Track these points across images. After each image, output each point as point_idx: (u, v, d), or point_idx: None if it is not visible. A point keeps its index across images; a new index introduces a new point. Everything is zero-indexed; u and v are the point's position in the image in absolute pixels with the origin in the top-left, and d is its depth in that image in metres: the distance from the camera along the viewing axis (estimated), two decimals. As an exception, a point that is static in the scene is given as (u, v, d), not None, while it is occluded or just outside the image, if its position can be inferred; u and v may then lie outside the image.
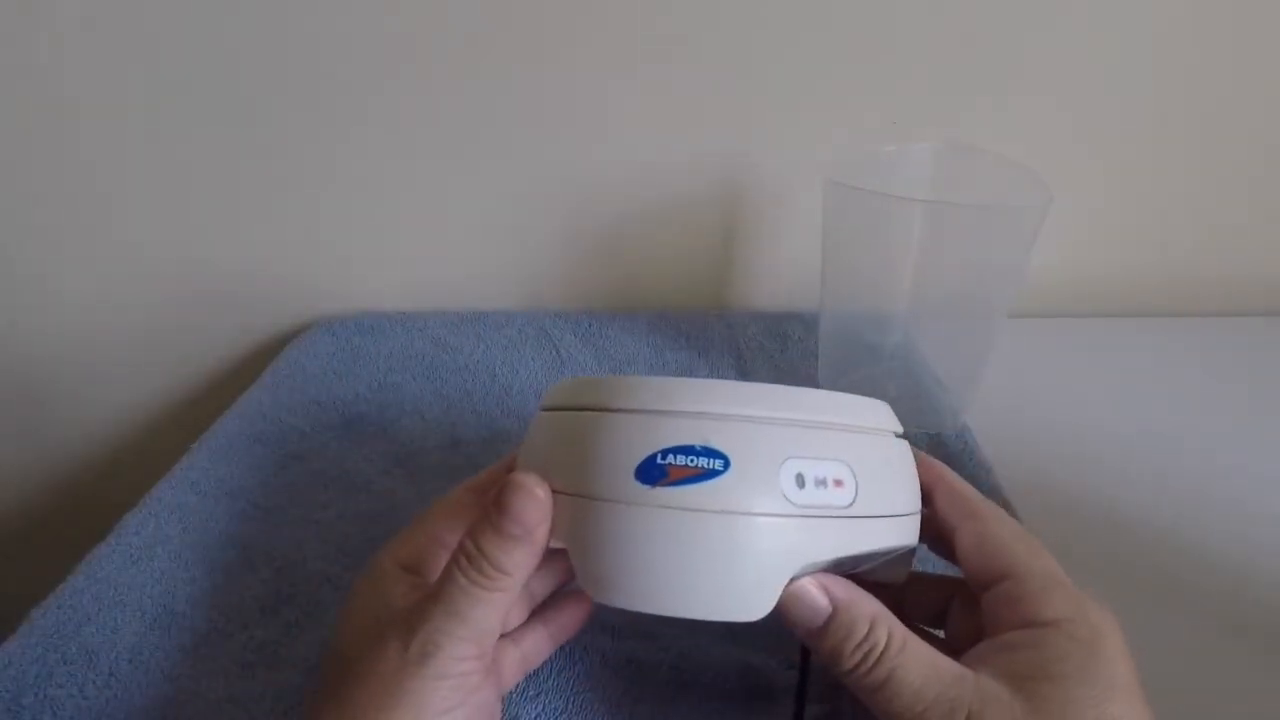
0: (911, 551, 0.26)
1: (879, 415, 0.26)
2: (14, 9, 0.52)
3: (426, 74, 0.55)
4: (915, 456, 0.28)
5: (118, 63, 0.54)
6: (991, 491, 0.41)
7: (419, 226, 0.60)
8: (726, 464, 0.22)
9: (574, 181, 0.58)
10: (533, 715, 0.30)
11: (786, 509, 0.22)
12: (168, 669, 0.33)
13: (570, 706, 0.31)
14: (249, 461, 0.46)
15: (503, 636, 0.29)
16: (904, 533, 0.25)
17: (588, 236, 0.60)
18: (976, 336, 0.45)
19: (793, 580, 0.23)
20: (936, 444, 0.45)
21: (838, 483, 0.23)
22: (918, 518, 0.26)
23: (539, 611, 0.30)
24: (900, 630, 0.23)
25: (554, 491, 0.24)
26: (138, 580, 0.38)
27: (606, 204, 0.59)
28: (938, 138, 0.47)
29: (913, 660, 0.23)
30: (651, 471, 0.22)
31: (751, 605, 0.23)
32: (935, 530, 0.27)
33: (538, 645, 0.30)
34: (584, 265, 0.62)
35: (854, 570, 0.26)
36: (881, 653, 0.23)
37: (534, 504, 0.23)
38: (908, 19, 0.52)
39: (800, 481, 0.22)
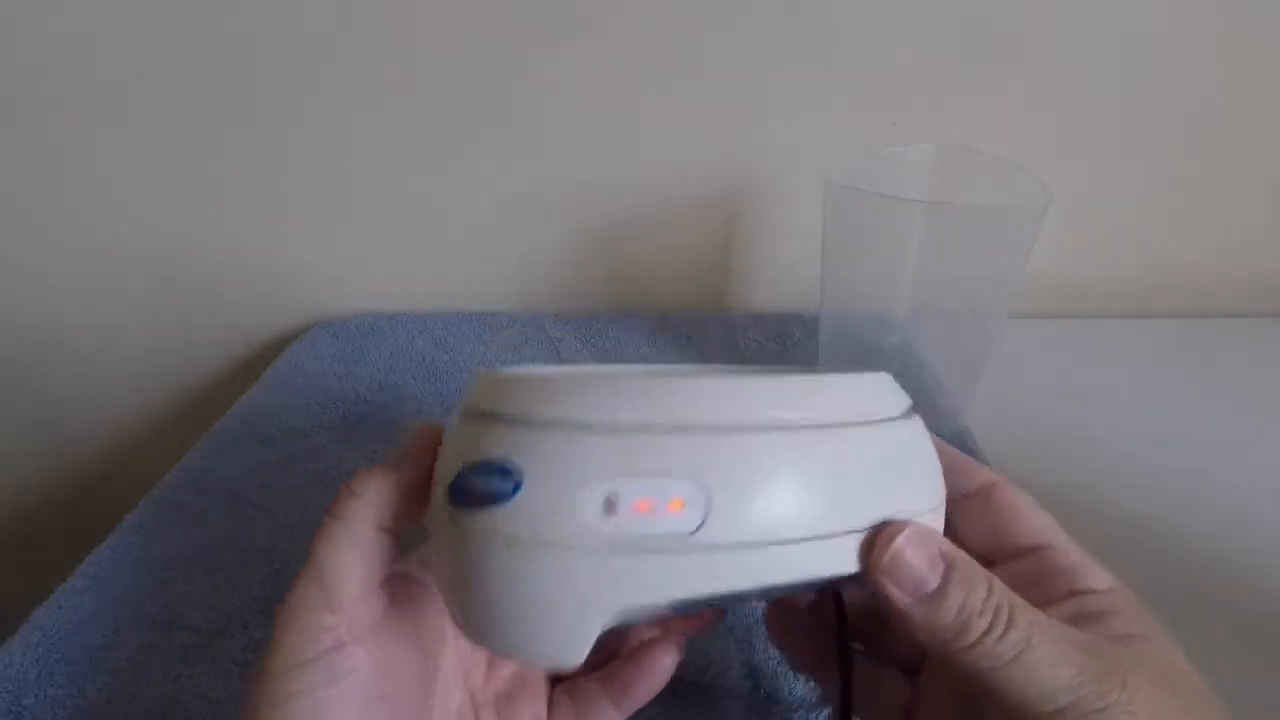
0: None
1: (813, 401, 0.19)
2: (19, 8, 0.53)
3: (427, 75, 0.55)
4: None
5: (119, 63, 0.54)
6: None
7: (419, 227, 0.60)
8: (518, 485, 0.18)
9: (574, 182, 0.58)
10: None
11: (587, 540, 0.18)
12: (168, 669, 0.33)
13: (570, 706, 0.31)
14: (249, 461, 0.46)
15: (560, 681, 0.27)
16: (822, 559, 0.19)
17: (588, 237, 0.60)
18: (976, 337, 0.45)
19: (619, 620, 0.19)
20: (936, 444, 0.45)
21: (674, 504, 0.18)
22: (861, 535, 0.19)
23: (600, 670, 0.27)
24: (1013, 592, 0.20)
25: None
26: (138, 580, 0.38)
27: (606, 204, 0.59)
28: (938, 138, 0.47)
29: (1046, 621, 0.19)
30: (458, 491, 0.19)
31: (562, 651, 0.18)
32: None
33: (596, 706, 0.26)
34: (584, 266, 0.62)
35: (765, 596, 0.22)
36: (1011, 615, 0.19)
37: (418, 442, 0.22)
38: (907, 20, 0.53)
39: (610, 505, 0.18)
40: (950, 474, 0.23)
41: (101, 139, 0.57)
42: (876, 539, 0.19)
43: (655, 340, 0.57)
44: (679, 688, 0.32)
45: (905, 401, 0.22)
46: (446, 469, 0.20)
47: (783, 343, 0.57)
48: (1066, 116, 0.56)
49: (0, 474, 0.70)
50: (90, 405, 0.67)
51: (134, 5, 0.52)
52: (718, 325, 0.59)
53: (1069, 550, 0.22)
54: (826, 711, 0.31)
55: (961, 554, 0.20)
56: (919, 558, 0.19)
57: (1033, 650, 0.18)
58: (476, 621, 0.19)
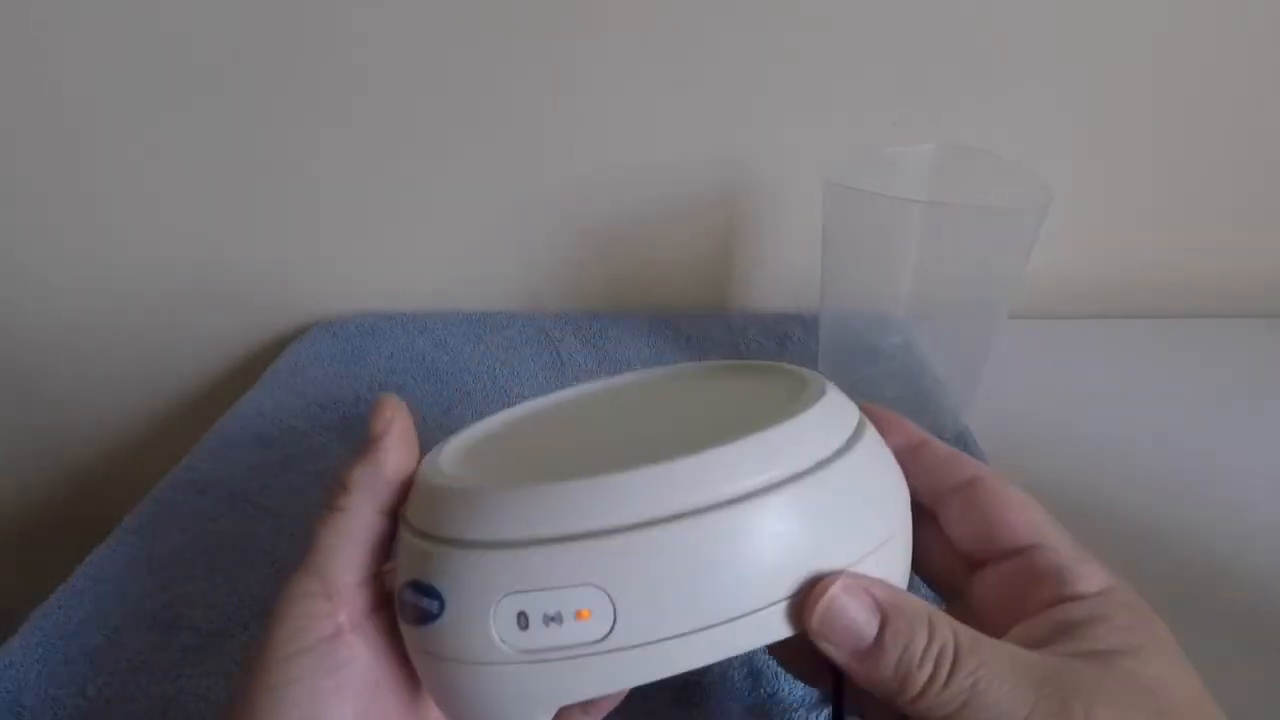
0: None
1: (713, 477, 0.18)
2: (17, 10, 0.53)
3: (427, 74, 0.55)
4: (884, 422, 0.23)
5: (119, 63, 0.54)
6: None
7: (419, 227, 0.60)
8: (443, 606, 0.19)
9: (574, 182, 0.58)
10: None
11: (505, 656, 0.18)
12: (168, 669, 0.33)
13: (570, 707, 0.31)
14: (249, 462, 0.46)
15: None
16: (750, 635, 0.18)
17: (588, 237, 0.60)
18: (976, 337, 0.45)
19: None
20: (936, 444, 0.45)
21: (581, 614, 0.18)
22: (789, 602, 0.18)
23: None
24: (959, 624, 0.19)
25: None
26: (138, 580, 0.38)
27: (606, 204, 0.59)
28: (938, 138, 0.47)
29: (993, 658, 0.18)
30: (402, 607, 0.20)
31: None
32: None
33: (568, 712, 0.25)
34: (584, 266, 0.62)
35: None
36: (955, 658, 0.18)
37: (378, 416, 0.23)
38: (907, 20, 0.53)
39: (523, 621, 0.18)
40: (935, 469, 0.23)
41: (101, 139, 0.57)
42: (806, 598, 0.18)
43: (655, 340, 0.57)
44: (679, 687, 0.32)
45: (845, 429, 0.21)
46: (399, 575, 0.21)
47: (782, 343, 0.57)
48: (1066, 116, 0.56)
49: (0, 474, 0.70)
50: (90, 405, 0.67)
51: (134, 7, 0.53)
52: (718, 325, 0.59)
53: (1059, 549, 0.21)
54: (826, 711, 0.31)
55: (900, 599, 0.19)
56: (851, 613, 0.18)
57: (980, 695, 0.17)
58: (442, 709, 0.21)
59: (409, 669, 0.22)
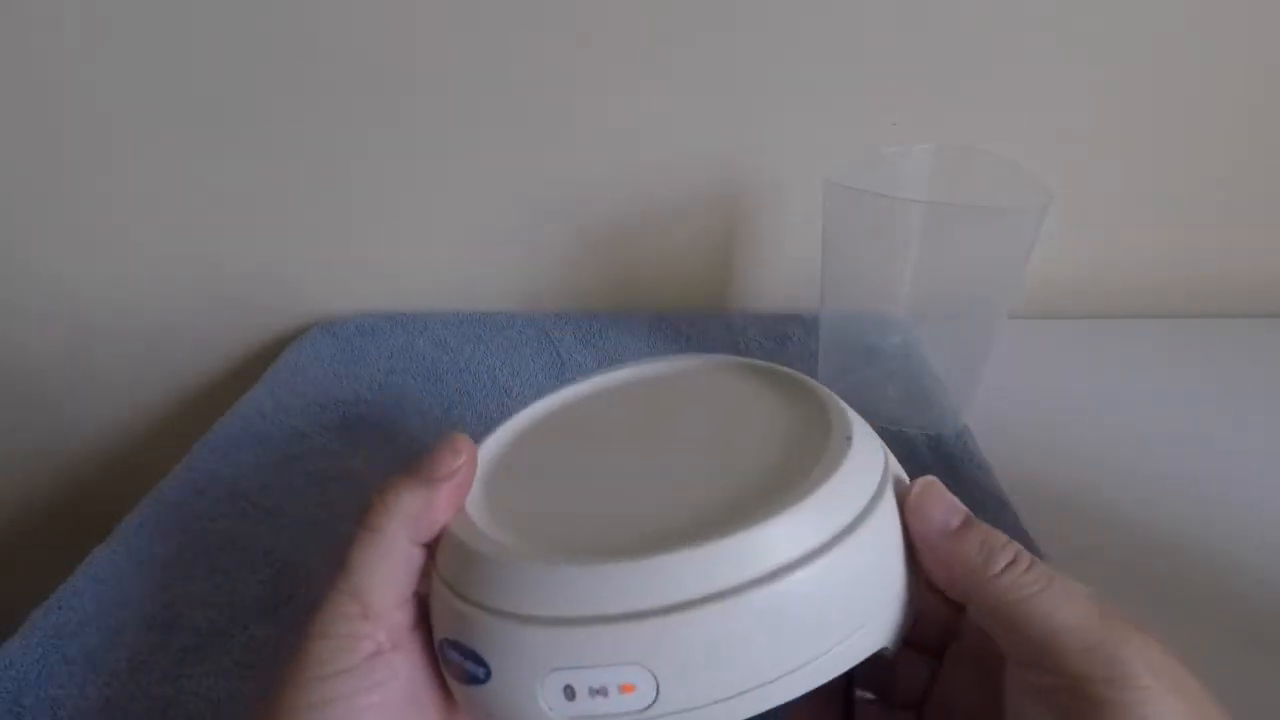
0: (885, 647, 0.21)
1: (747, 558, 0.19)
2: (32, 16, 0.53)
3: (426, 75, 0.55)
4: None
5: (117, 64, 0.54)
6: (991, 491, 0.41)
7: (419, 228, 0.60)
8: (489, 673, 0.20)
9: (574, 182, 0.58)
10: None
11: None
12: (168, 669, 0.33)
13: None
14: (249, 461, 0.46)
15: None
16: (788, 690, 0.20)
17: (588, 237, 0.60)
18: (976, 337, 0.45)
19: None
20: (936, 444, 0.45)
21: (626, 688, 0.19)
22: (835, 654, 0.20)
23: None
24: None
25: None
26: (138, 580, 0.38)
27: (606, 204, 0.59)
28: (938, 138, 0.47)
29: (1062, 575, 0.20)
30: (444, 662, 0.21)
31: None
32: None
33: None
34: (584, 266, 0.62)
35: None
36: (1031, 559, 0.20)
37: (448, 459, 0.23)
38: (908, 20, 0.53)
39: (569, 693, 0.19)
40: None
41: (102, 142, 0.57)
42: (921, 483, 0.22)
43: (655, 340, 0.57)
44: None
45: (871, 482, 0.22)
46: (436, 627, 0.22)
47: (782, 343, 0.57)
48: (1067, 116, 0.56)
49: (0, 474, 0.70)
50: (90, 405, 0.67)
51: (134, 8, 0.53)
52: (718, 325, 0.59)
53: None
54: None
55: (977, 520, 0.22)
56: (940, 502, 0.22)
57: (1058, 585, 0.20)
58: None
59: (443, 684, 0.23)
